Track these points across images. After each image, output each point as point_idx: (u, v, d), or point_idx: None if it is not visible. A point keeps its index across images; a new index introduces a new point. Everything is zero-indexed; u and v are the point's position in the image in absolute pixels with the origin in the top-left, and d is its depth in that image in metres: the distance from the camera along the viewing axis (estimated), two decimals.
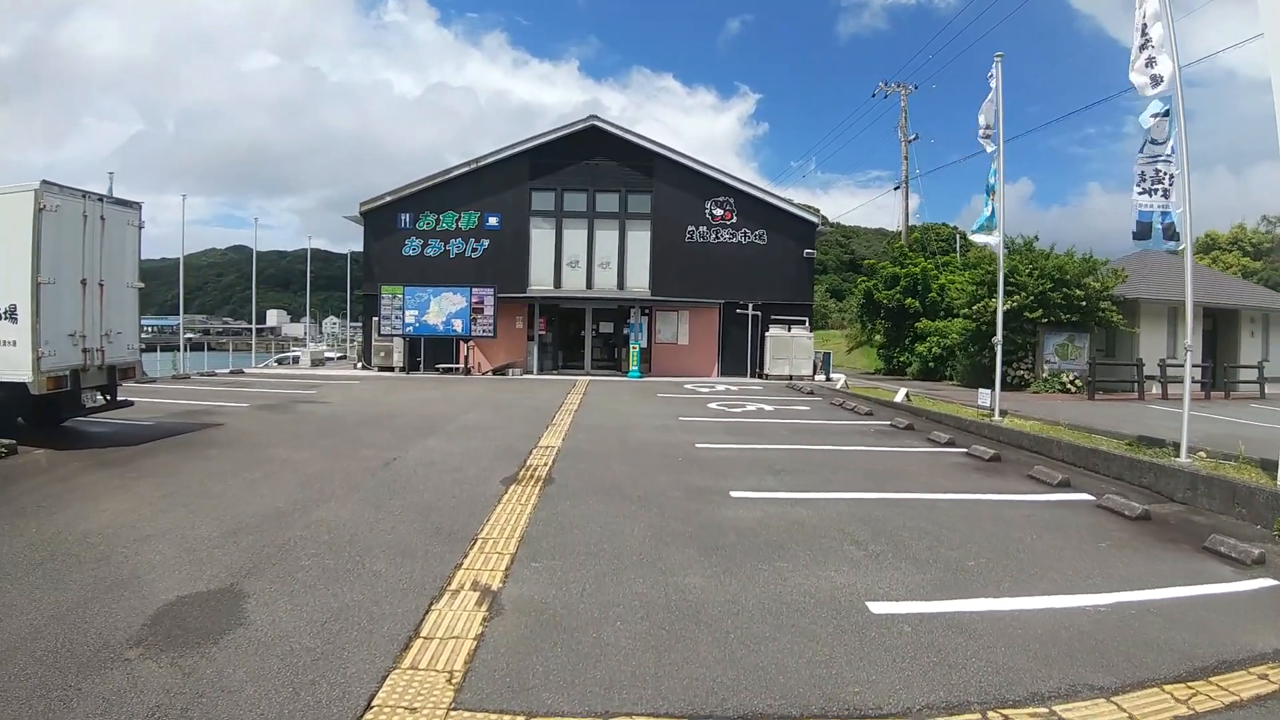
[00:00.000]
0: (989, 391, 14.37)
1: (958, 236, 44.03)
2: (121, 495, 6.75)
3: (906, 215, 34.20)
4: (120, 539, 5.43)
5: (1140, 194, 10.11)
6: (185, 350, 27.17)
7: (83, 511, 6.18)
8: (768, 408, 15.58)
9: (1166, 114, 9.70)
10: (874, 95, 35.36)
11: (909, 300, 30.28)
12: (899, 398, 16.76)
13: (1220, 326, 28.24)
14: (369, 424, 11.42)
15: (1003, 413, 13.70)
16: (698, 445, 10.25)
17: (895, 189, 34.77)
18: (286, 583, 4.59)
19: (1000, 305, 15.05)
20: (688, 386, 20.66)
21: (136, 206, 10.65)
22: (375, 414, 12.74)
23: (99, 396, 10.42)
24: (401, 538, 5.54)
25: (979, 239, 15.00)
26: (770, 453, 9.88)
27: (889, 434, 12.28)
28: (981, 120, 14.40)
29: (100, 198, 9.88)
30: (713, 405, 15.74)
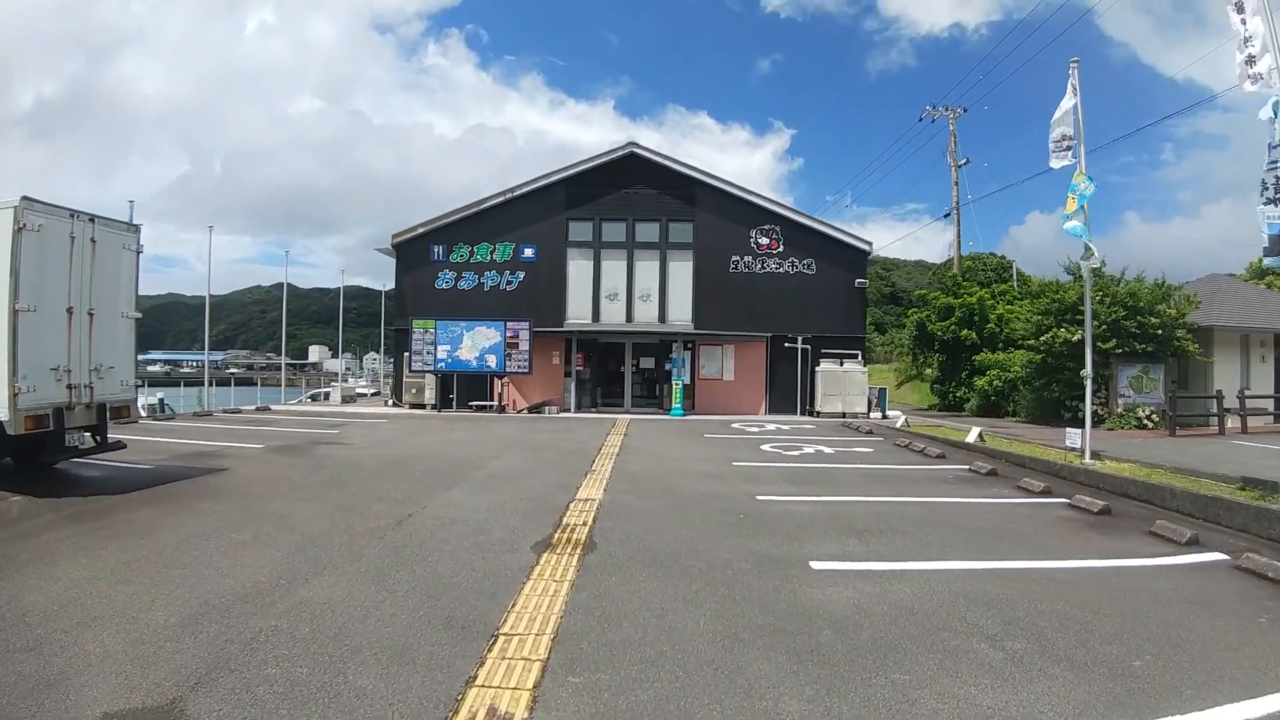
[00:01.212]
0: (1077, 431, 12.95)
1: (1014, 265, 42.24)
2: (84, 559, 5.66)
3: (959, 242, 32.68)
4: (63, 621, 4.37)
5: (1265, 204, 8.78)
6: (210, 385, 26.51)
7: (33, 579, 5.14)
8: (827, 450, 14.16)
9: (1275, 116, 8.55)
10: (921, 119, 34.08)
11: (965, 332, 28.65)
12: (972, 438, 15.23)
13: None
14: (388, 470, 10.25)
15: (1094, 454, 12.22)
16: (759, 497, 8.89)
17: (945, 216, 33.31)
18: (240, 703, 3.38)
19: (1089, 334, 13.82)
20: (735, 425, 19.28)
21: (134, 229, 9.73)
22: (397, 458, 11.58)
23: (87, 437, 9.37)
24: (401, 631, 4.28)
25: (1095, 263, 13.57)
26: (844, 507, 8.47)
27: (972, 481, 10.80)
28: (1056, 133, 13.10)
29: (91, 218, 8.95)
30: (766, 448, 14.36)
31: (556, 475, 10.13)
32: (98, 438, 9.46)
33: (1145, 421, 21.13)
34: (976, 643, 4.37)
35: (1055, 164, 13.02)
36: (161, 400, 23.61)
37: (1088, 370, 13.34)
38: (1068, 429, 13.40)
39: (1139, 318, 21.11)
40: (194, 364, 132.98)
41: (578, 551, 6.10)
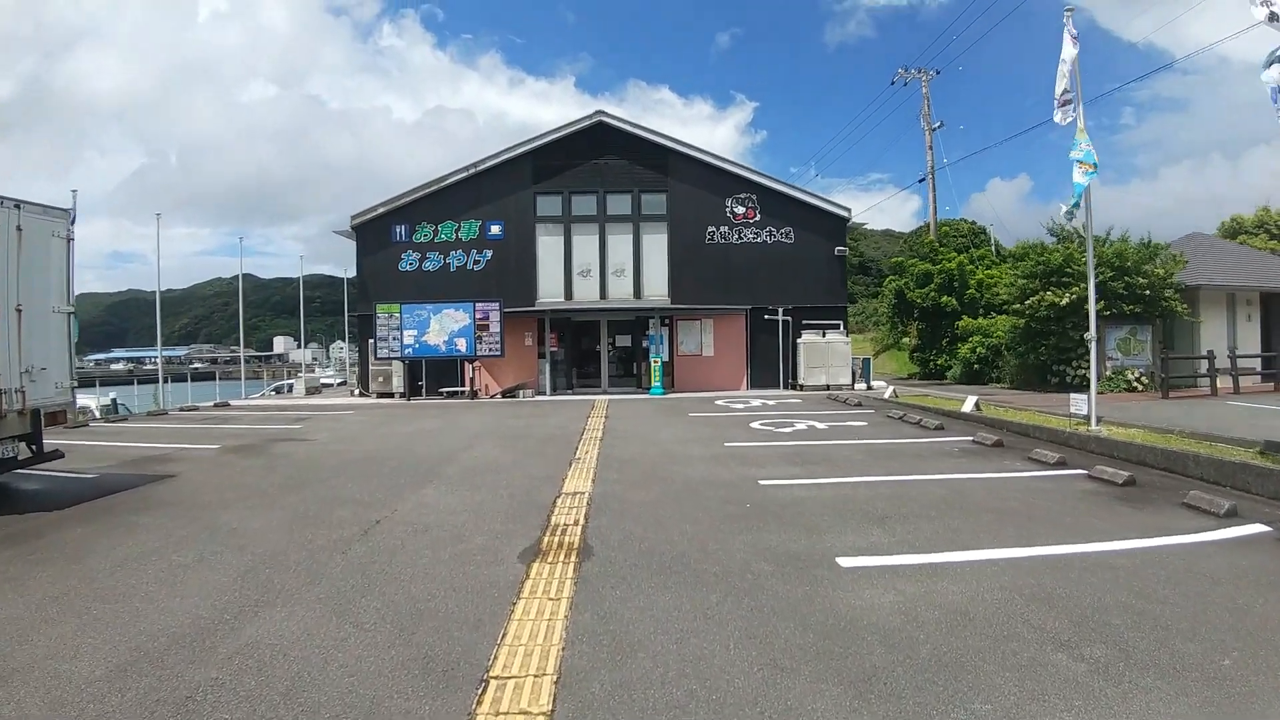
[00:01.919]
0: (1081, 397, 12.40)
1: (990, 231, 41.91)
2: (8, 593, 4.84)
3: (934, 207, 32.20)
4: None
5: None
6: (166, 382, 25.22)
7: None
8: (820, 425, 13.51)
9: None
10: (893, 83, 33.52)
11: (945, 298, 28.23)
12: (968, 407, 14.70)
13: (1275, 313, 26.08)
14: (354, 468, 9.36)
15: (1098, 419, 11.71)
16: (762, 482, 8.18)
17: (920, 181, 32.85)
18: None
19: (1093, 295, 13.16)
20: (719, 403, 18.58)
21: (65, 214, 8.67)
22: (363, 454, 10.68)
23: (22, 447, 8.37)
24: (369, 681, 3.48)
25: (1076, 224, 12.98)
26: (855, 489, 7.80)
27: (980, 454, 10.20)
28: (1059, 87, 12.46)
29: (17, 204, 7.90)
30: (756, 425, 13.67)
31: (539, 466, 9.33)
32: (33, 447, 8.47)
33: (1135, 384, 20.85)
34: (1052, 653, 3.71)
35: (1058, 118, 12.41)
36: (115, 400, 22.33)
37: (1091, 333, 12.77)
38: (1072, 395, 12.79)
39: (1126, 278, 20.72)
40: (156, 359, 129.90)
41: (572, 559, 5.32)
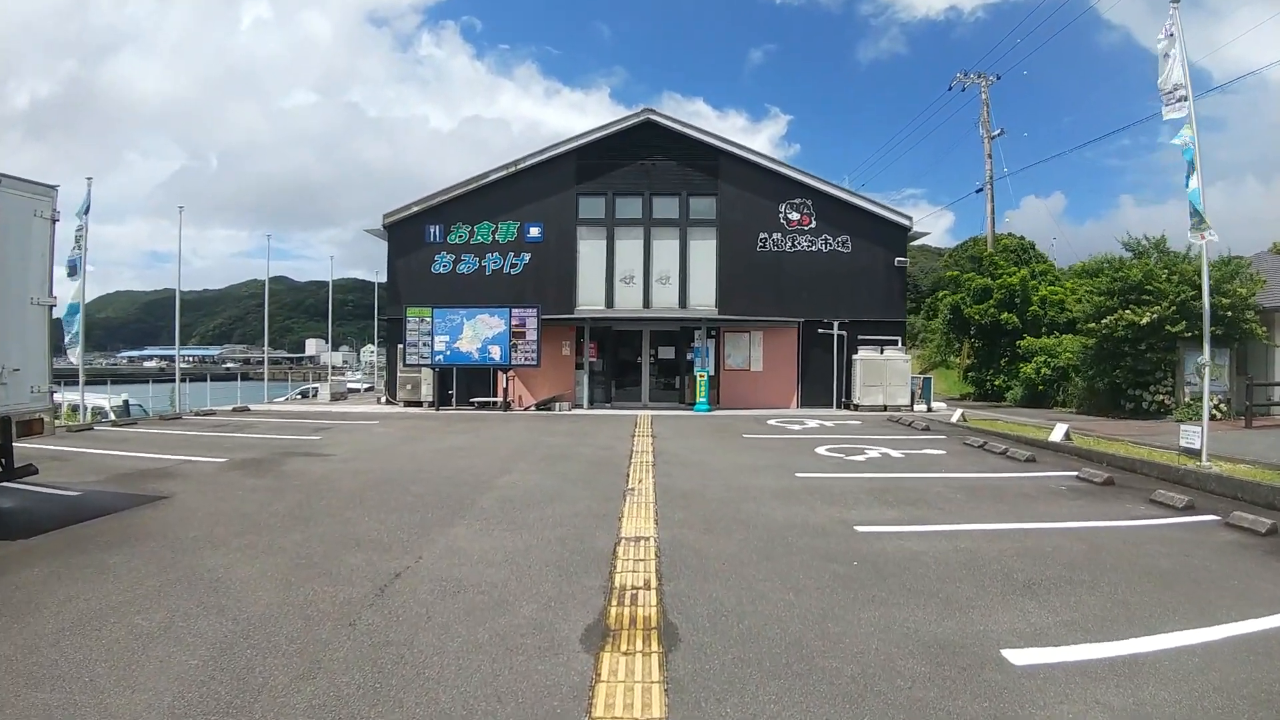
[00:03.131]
0: (1194, 429, 11.02)
1: (1052, 245, 39.98)
2: None
3: (992, 219, 30.56)
4: None
5: None
6: (183, 382, 24.26)
7: None
8: (894, 453, 12.04)
9: None
10: (950, 88, 31.95)
11: (1005, 315, 26.52)
12: (1057, 436, 13.14)
13: None
14: (373, 495, 8.06)
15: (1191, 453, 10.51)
16: (859, 529, 6.76)
17: (978, 191, 31.18)
18: None
19: (1207, 315, 11.86)
20: (771, 423, 17.14)
21: (47, 191, 7.51)
22: (385, 474, 9.39)
23: None
24: None
25: (1198, 239, 11.60)
26: (975, 542, 6.36)
27: (1094, 495, 8.76)
28: (1169, 85, 11.19)
29: None
30: (822, 451, 12.24)
31: (588, 498, 7.98)
32: (3, 461, 7.30)
33: (1214, 412, 19.07)
34: None
35: (1167, 115, 11.20)
36: (126, 402, 21.33)
37: (1205, 358, 11.49)
38: (1182, 427, 11.32)
39: (1209, 297, 18.96)
40: (191, 359, 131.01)
41: (654, 646, 3.95)
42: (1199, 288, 18.87)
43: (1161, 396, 19.56)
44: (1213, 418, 18.87)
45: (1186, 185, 11.22)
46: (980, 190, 30.50)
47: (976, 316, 27.06)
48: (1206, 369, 11.37)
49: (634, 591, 4.86)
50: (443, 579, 5.08)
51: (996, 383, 27.04)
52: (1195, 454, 10.56)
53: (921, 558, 5.85)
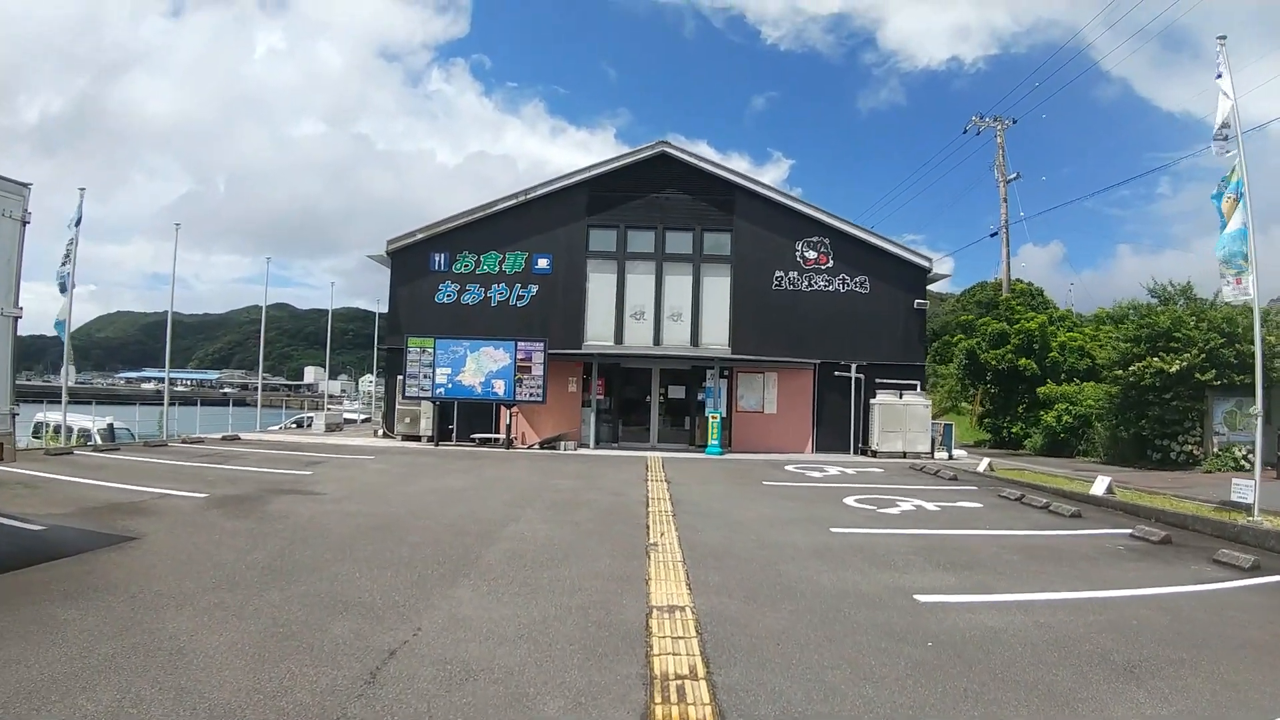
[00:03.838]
0: (1246, 483, 10.44)
1: (1069, 288, 39.46)
2: None
3: (1008, 264, 29.97)
4: None
5: None
6: (173, 405, 23.33)
7: None
8: (929, 506, 11.17)
9: None
10: (965, 131, 31.62)
11: (1023, 361, 25.75)
12: (1099, 489, 12.35)
13: None
14: (365, 544, 7.15)
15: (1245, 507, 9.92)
16: (919, 598, 5.91)
17: (993, 235, 30.65)
18: None
19: (1260, 362, 11.06)
20: (790, 468, 16.25)
21: (20, 189, 6.75)
22: (380, 520, 8.47)
23: None
24: None
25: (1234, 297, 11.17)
26: (1054, 615, 5.57)
27: (1156, 555, 8.10)
28: (1216, 122, 10.71)
29: None
30: (851, 503, 11.36)
31: (607, 555, 7.09)
32: None
33: (1243, 462, 18.34)
34: None
35: (1216, 152, 10.79)
36: (111, 425, 20.38)
37: (1257, 408, 10.83)
38: (1234, 480, 10.60)
39: (1238, 345, 18.37)
40: (189, 383, 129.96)
41: None
42: (1228, 336, 18.37)
43: (1190, 446, 18.77)
44: (1241, 468, 18.16)
45: (1222, 228, 10.87)
46: (995, 234, 30.06)
47: (993, 362, 26.31)
48: (1259, 419, 10.78)
49: (679, 683, 3.98)
50: (446, 660, 4.19)
51: (1014, 430, 26.20)
52: (1246, 508, 10.01)
53: (1002, 636, 5.01)
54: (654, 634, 4.77)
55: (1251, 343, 18.25)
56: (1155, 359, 18.80)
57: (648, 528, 8.50)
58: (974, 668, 4.39)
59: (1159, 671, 4.37)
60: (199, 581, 5.65)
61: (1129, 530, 9.42)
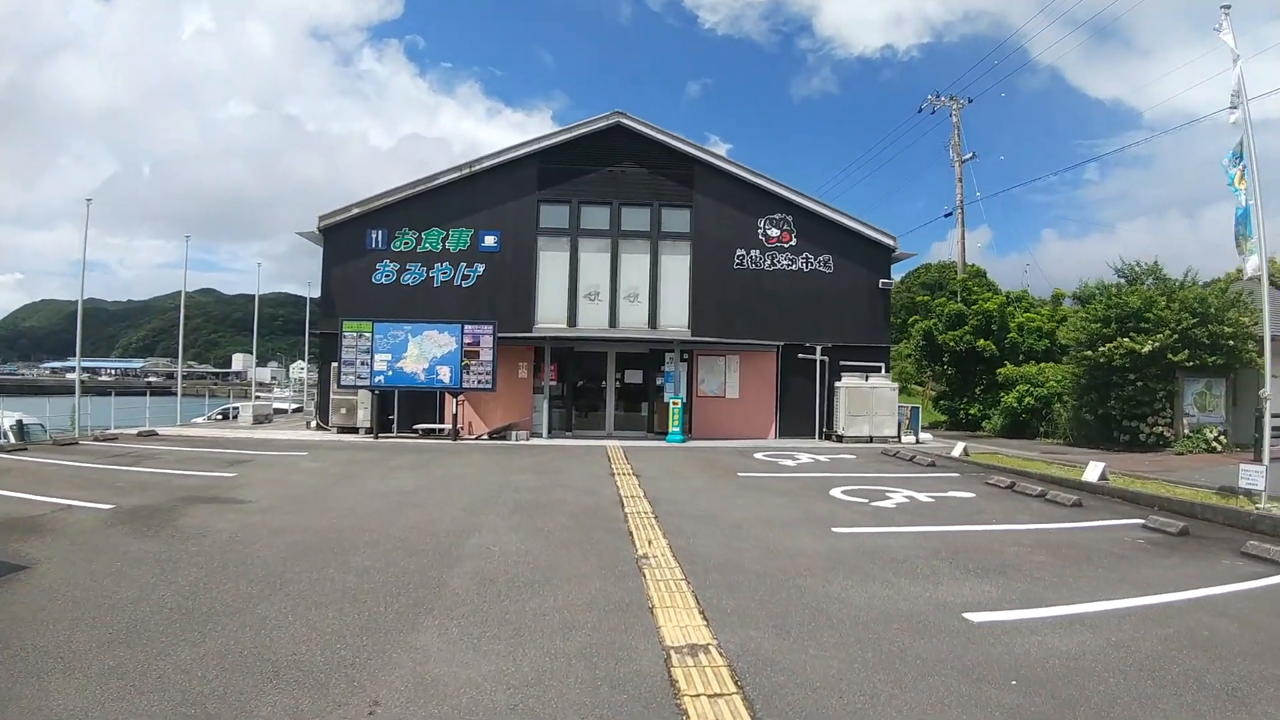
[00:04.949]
0: (1256, 469, 10.05)
1: (1025, 269, 39.71)
2: None
3: (963, 245, 29.67)
4: None
5: None
6: (97, 396, 21.24)
7: None
8: (920, 497, 10.41)
9: None
10: (920, 110, 31.25)
11: (982, 342, 25.43)
12: (1092, 475, 11.79)
13: None
14: (299, 573, 5.84)
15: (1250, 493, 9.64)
16: (970, 618, 5.09)
17: (947, 215, 30.29)
18: None
19: (1269, 343, 10.58)
20: (759, 456, 15.37)
21: None
22: (317, 536, 7.13)
23: None
24: None
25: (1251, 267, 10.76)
26: (1119, 628, 4.93)
27: (1183, 549, 7.58)
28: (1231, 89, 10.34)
29: None
30: (839, 495, 10.49)
31: (595, 572, 5.99)
32: None
33: (1213, 444, 18.25)
34: None
35: (1231, 120, 10.36)
36: (20, 422, 18.31)
37: (1266, 390, 10.33)
38: (1242, 466, 10.10)
39: (1210, 326, 18.19)
40: (113, 372, 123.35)
41: None
42: (1200, 316, 18.14)
43: (1161, 428, 18.55)
44: (1212, 449, 18.06)
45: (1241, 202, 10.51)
46: (949, 214, 29.73)
47: (951, 343, 25.94)
48: (1266, 403, 10.35)
49: None
50: None
51: (972, 411, 25.91)
52: (1250, 494, 9.62)
53: (1084, 664, 4.28)
54: (683, 691, 3.72)
55: (1227, 322, 18.23)
56: (1126, 339, 18.50)
57: (631, 534, 7.43)
58: (1077, 711, 3.64)
59: (1260, 692, 3.91)
60: (93, 632, 4.37)
61: (1139, 521, 8.97)
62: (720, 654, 4.23)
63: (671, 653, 4.23)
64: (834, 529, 8.05)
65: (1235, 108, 10.30)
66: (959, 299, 27.23)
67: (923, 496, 10.49)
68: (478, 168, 19.95)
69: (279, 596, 5.10)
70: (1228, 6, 10.41)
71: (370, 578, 5.62)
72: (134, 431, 18.58)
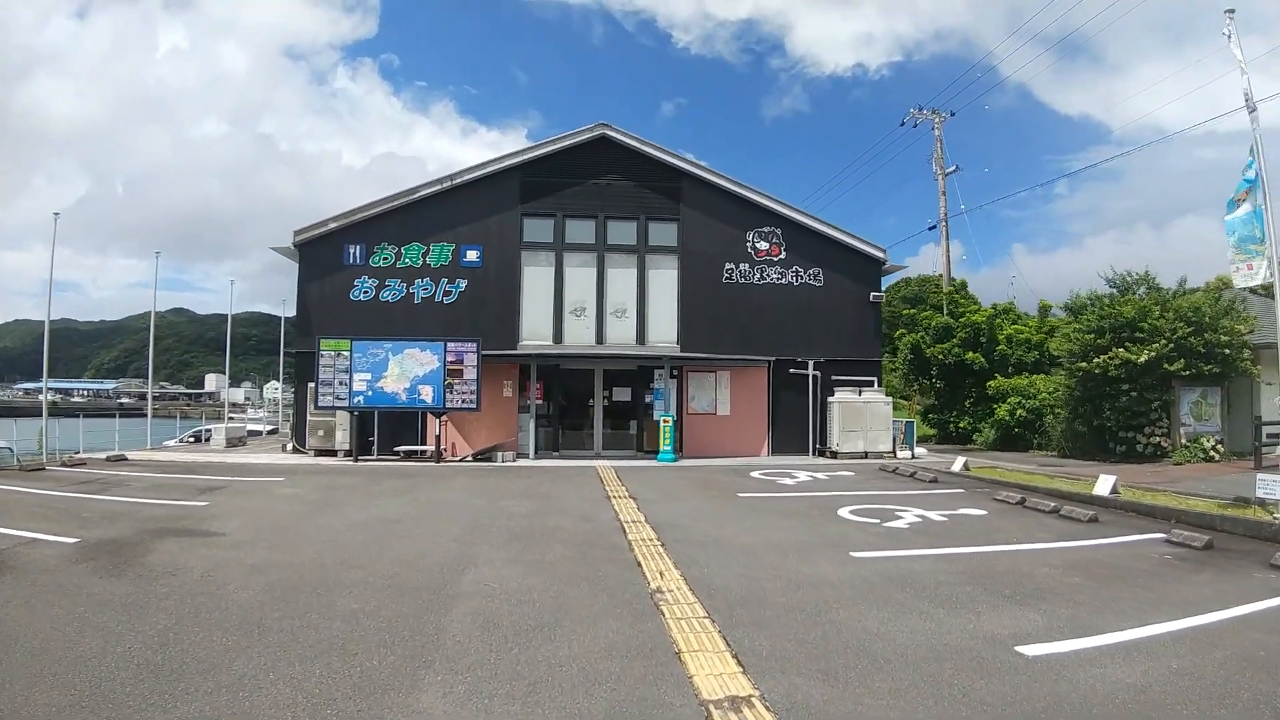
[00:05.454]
0: (1273, 478, 9.70)
1: (1012, 281, 39.71)
2: None
3: (948, 258, 29.53)
4: None
5: None
6: (54, 418, 20.32)
7: None
8: (932, 516, 10.00)
9: None
10: (903, 124, 31.18)
11: (970, 355, 25.21)
12: (1103, 489, 11.48)
13: None
14: (278, 619, 5.23)
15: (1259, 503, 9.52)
16: (1023, 651, 4.74)
17: (931, 228, 30.19)
18: None
19: None
20: (756, 475, 14.90)
21: None
22: (297, 575, 6.48)
23: None
24: None
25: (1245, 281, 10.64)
26: (1177, 655, 4.61)
27: (1212, 565, 7.32)
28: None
29: None
30: (848, 516, 10.05)
31: (607, 611, 5.45)
32: None
33: (1211, 453, 18.05)
34: None
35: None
36: None
37: (1278, 399, 10.02)
38: (1259, 475, 9.79)
39: (1205, 334, 18.05)
40: (85, 393, 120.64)
41: None
42: (1195, 325, 18.00)
43: (1158, 438, 18.33)
44: (1210, 459, 17.84)
45: (1229, 210, 10.44)
46: (933, 227, 29.62)
47: (940, 356, 25.69)
48: None
49: None
50: None
51: (962, 424, 25.65)
52: (1267, 504, 9.47)
53: (1153, 695, 3.98)
54: None
55: (1222, 331, 18.08)
56: (1121, 350, 18.31)
57: (639, 565, 6.91)
58: None
59: None
60: (52, 694, 3.79)
61: (1161, 535, 8.72)
62: (766, 708, 3.73)
63: (711, 708, 3.72)
64: (852, 553, 7.57)
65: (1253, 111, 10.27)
66: (945, 312, 27.03)
67: (934, 515, 10.07)
68: (459, 180, 19.43)
69: (258, 649, 4.52)
70: (1231, 11, 10.27)
71: (359, 624, 5.05)
72: (103, 456, 17.75)
